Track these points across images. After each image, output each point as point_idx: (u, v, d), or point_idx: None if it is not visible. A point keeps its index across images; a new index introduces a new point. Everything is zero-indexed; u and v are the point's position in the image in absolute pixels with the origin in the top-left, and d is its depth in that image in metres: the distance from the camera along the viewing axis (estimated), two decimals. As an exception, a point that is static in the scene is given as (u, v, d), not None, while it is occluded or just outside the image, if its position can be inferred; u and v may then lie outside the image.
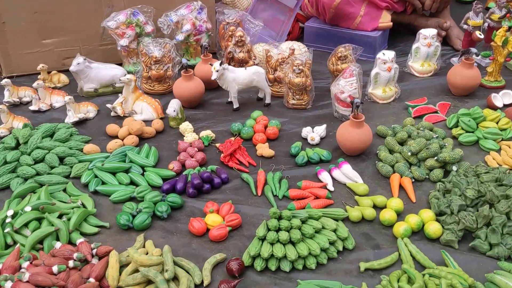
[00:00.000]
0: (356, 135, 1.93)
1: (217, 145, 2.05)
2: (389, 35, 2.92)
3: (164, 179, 1.84)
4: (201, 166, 1.92)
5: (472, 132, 2.10)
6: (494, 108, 2.29)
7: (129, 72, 2.55)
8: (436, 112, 2.28)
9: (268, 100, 2.35)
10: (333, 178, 1.88)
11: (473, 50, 2.34)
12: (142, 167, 1.90)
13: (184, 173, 1.87)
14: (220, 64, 2.17)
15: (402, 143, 2.03)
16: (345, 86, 2.14)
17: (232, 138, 2.07)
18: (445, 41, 2.91)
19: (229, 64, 2.53)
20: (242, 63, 2.51)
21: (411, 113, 2.27)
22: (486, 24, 2.58)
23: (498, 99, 2.32)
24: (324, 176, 1.87)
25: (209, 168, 1.90)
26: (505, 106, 2.32)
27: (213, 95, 2.44)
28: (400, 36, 3.00)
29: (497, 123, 2.13)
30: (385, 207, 1.73)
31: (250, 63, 2.51)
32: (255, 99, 2.42)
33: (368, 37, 2.73)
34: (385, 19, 2.79)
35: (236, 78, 2.24)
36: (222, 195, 1.80)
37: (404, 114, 2.30)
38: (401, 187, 1.84)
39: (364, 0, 2.73)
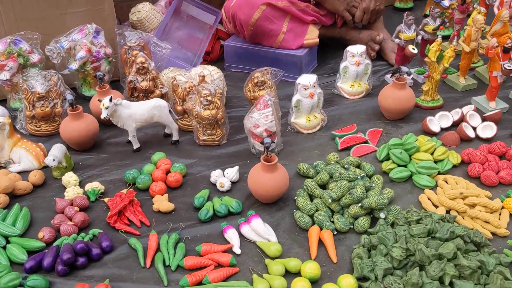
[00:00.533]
0: (269, 180, 1.63)
1: (106, 200, 1.70)
2: (319, 52, 2.64)
3: (32, 252, 1.49)
4: (82, 231, 1.58)
5: (405, 166, 1.83)
6: (431, 133, 2.04)
7: (14, 110, 2.18)
8: (366, 142, 2.00)
9: (175, 137, 2.03)
10: (242, 236, 1.57)
11: (404, 68, 2.08)
12: (6, 237, 1.54)
13: (55, 243, 1.51)
14: (110, 100, 1.83)
15: (325, 185, 1.73)
16: (259, 119, 1.84)
17: (124, 190, 1.73)
18: (380, 55, 2.66)
19: (131, 95, 2.19)
20: (146, 93, 2.17)
21: (338, 144, 1.98)
22: (419, 37, 2.33)
23: (435, 122, 2.06)
24: (231, 235, 1.55)
25: (90, 233, 1.56)
26: (443, 130, 2.07)
27: (111, 132, 2.09)
28: (332, 52, 2.73)
29: (432, 153, 1.86)
30: (299, 272, 1.42)
31: (156, 93, 2.18)
32: (162, 135, 2.08)
33: (293, 56, 2.44)
34: (312, 35, 2.51)
35: (132, 114, 1.90)
36: (102, 270, 1.46)
37: (331, 146, 2.01)
38: (322, 242, 1.54)
39: (286, 15, 2.44)
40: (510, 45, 2.03)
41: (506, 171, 1.76)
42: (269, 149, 1.62)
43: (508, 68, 2.05)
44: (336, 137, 2.03)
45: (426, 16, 2.81)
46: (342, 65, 2.29)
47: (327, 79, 2.50)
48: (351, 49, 2.25)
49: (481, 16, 2.22)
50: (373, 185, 1.68)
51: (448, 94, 2.33)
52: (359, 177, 1.67)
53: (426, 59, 2.16)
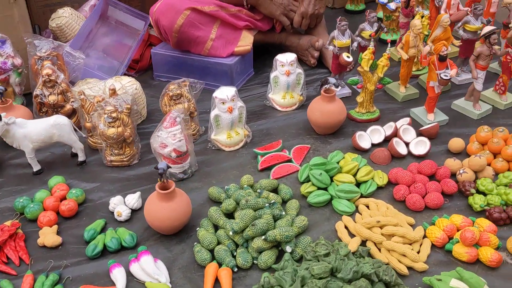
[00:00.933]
0: (165, 210, 1.46)
1: (-14, 233, 1.52)
2: (258, 59, 2.47)
3: None
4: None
5: (325, 188, 1.67)
6: (360, 149, 1.88)
7: None
8: (289, 160, 1.84)
9: (81, 158, 1.85)
10: (132, 275, 1.40)
11: (331, 80, 1.91)
12: None
13: None
14: (0, 118, 1.65)
15: (233, 213, 1.57)
16: (166, 138, 1.67)
17: (8, 222, 1.55)
18: (321, 62, 2.49)
19: (40, 110, 2.01)
20: (56, 108, 1.99)
21: (259, 163, 1.82)
22: (355, 44, 2.16)
23: (365, 138, 1.91)
24: (116, 275, 1.38)
25: (-44, 276, 1.38)
26: (375, 146, 1.91)
27: (14, 153, 1.90)
28: (271, 59, 2.55)
29: (355, 174, 1.70)
30: (185, 320, 1.26)
31: (67, 107, 2.00)
32: (69, 154, 1.90)
33: (223, 64, 2.26)
34: (246, 41, 2.34)
35: (28, 134, 1.72)
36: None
37: (252, 165, 1.85)
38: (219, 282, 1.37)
39: (215, 21, 2.26)
40: (445, 53, 1.88)
41: (433, 194, 1.60)
42: (164, 175, 1.45)
43: (444, 78, 1.90)
44: (258, 156, 1.86)
45: (379, 19, 2.65)
46: (272, 75, 2.13)
47: (262, 89, 2.33)
48: (280, 58, 2.09)
49: (419, 21, 2.06)
50: (283, 213, 1.51)
51: (387, 105, 2.18)
52: (267, 204, 1.50)
53: (358, 68, 2.00)
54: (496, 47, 1.96)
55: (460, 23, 2.21)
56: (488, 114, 2.09)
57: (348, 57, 2.10)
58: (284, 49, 2.56)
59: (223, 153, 1.91)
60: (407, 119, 1.98)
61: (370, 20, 2.14)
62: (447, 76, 1.90)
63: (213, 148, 1.93)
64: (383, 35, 2.74)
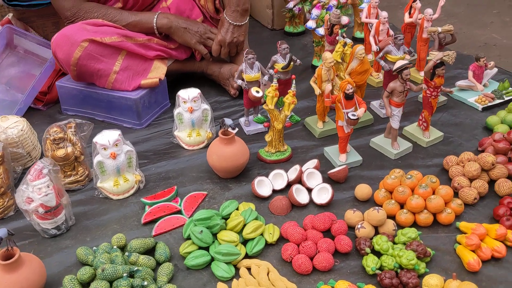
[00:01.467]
0: (8, 286, 1.29)
1: None
2: (181, 87, 2.30)
3: None
4: None
5: (206, 248, 1.50)
6: (260, 197, 1.72)
7: None
8: (179, 212, 1.67)
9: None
10: None
11: (227, 121, 1.75)
12: None
13: None
14: None
15: (89, 283, 1.40)
16: (32, 193, 1.50)
17: None
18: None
19: None
20: None
21: (144, 215, 1.65)
22: (266, 77, 2.00)
23: (265, 184, 1.74)
24: None
25: None
26: (276, 192, 1.75)
27: None
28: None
29: (241, 231, 1.54)
30: None
31: None
32: None
33: (127, 99, 2.10)
34: (157, 72, 2.18)
35: None
36: None
37: (138, 217, 1.68)
38: None
39: (120, 52, 2.10)
40: (351, 91, 1.72)
41: (323, 254, 1.44)
42: (9, 241, 1.28)
43: (352, 117, 1.74)
44: (146, 206, 1.69)
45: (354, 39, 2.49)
46: (175, 112, 1.97)
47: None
48: (182, 94, 1.93)
49: (330, 54, 1.90)
50: (146, 283, 1.34)
51: (304, 142, 2.02)
52: (125, 274, 1.33)
53: (264, 106, 1.84)
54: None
55: (381, 53, 2.05)
56: (408, 153, 1.93)
57: (258, 91, 1.94)
58: (207, 77, 2.42)
59: (110, 202, 1.74)
60: (315, 161, 1.82)
61: (282, 52, 1.98)
62: (355, 115, 1.74)
63: (100, 196, 1.76)
64: (314, 60, 2.59)
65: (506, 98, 2.20)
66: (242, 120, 2.14)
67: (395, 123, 1.86)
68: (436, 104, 1.92)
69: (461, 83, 2.27)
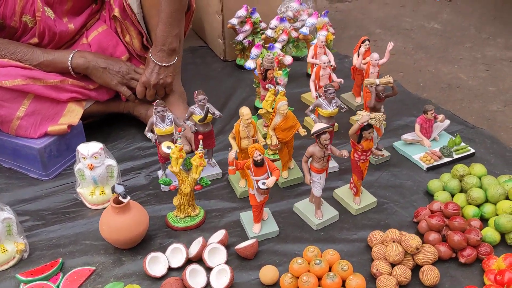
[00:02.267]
0: None
1: None
2: (108, 129, 2.13)
3: None
4: None
5: None
6: (152, 277, 1.51)
7: None
8: (55, 292, 1.47)
9: None
10: None
11: (118, 188, 1.55)
12: None
13: None
14: None
15: None
16: None
17: None
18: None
19: None
20: None
21: (16, 296, 1.44)
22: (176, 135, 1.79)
23: (160, 261, 1.54)
24: None
25: None
26: (173, 270, 1.54)
27: None
28: (126, 131, 2.22)
29: (112, 327, 1.33)
30: None
31: None
32: None
33: (31, 148, 1.89)
34: (70, 117, 1.98)
35: None
36: None
37: (10, 296, 1.47)
38: None
39: (25, 95, 1.90)
40: (259, 158, 1.51)
41: None
42: None
43: (262, 187, 1.53)
44: (21, 284, 1.49)
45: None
46: (75, 168, 1.76)
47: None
48: (81, 149, 1.73)
49: (247, 109, 1.70)
50: None
51: (222, 203, 1.82)
52: None
53: (168, 167, 1.63)
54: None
55: (311, 107, 1.84)
56: (333, 222, 1.72)
57: (169, 147, 1.73)
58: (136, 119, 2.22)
59: (-18, 277, 1.54)
60: (223, 232, 1.61)
61: (199, 103, 1.78)
62: (265, 185, 1.53)
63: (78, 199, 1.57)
64: (257, 101, 2.39)
65: (456, 156, 1.98)
66: (160, 172, 1.93)
67: (316, 190, 1.65)
68: (366, 169, 1.71)
69: (407, 136, 2.06)
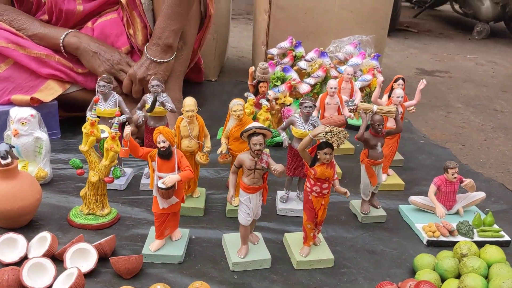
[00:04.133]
0: None
1: None
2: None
3: None
4: None
5: None
6: (-2, 262, 1.19)
7: None
8: None
9: None
10: None
11: (1, 147, 1.29)
12: None
13: None
14: None
15: None
16: None
17: None
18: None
19: None
20: None
21: None
22: (115, 120, 1.52)
23: (45, 239, 1.22)
24: None
25: None
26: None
27: None
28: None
29: None
30: None
31: None
32: None
33: (-13, 111, 1.76)
34: (45, 94, 1.85)
35: None
36: None
37: None
38: None
39: (5, 59, 1.83)
40: (163, 145, 1.16)
41: None
42: None
43: (160, 186, 1.17)
44: None
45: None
46: (5, 133, 1.57)
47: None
48: (12, 112, 1.54)
49: (191, 99, 1.37)
50: None
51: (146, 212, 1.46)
52: None
53: (79, 146, 1.35)
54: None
55: (284, 123, 1.46)
56: (259, 268, 1.26)
57: (103, 131, 1.45)
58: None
59: None
60: (110, 237, 1.25)
61: (151, 90, 1.50)
62: (163, 184, 1.17)
63: None
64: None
65: (477, 239, 1.40)
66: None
67: (241, 215, 1.23)
68: (324, 210, 1.25)
69: (417, 199, 1.54)
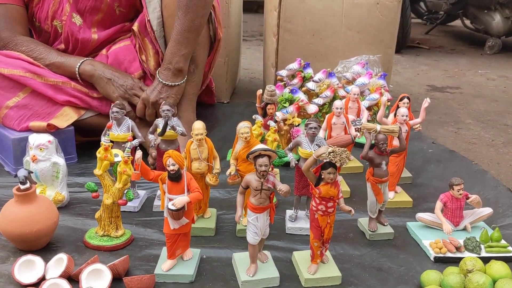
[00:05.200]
0: None
1: None
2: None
3: None
4: None
5: None
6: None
7: None
8: None
9: None
10: None
11: (20, 172, 1.36)
12: None
13: None
14: None
15: None
16: None
17: None
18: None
19: None
20: None
21: None
22: (127, 144, 1.58)
23: (61, 261, 1.27)
24: None
25: None
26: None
27: None
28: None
29: None
30: None
31: None
32: None
33: (6, 137, 1.84)
34: (61, 120, 1.92)
35: None
36: None
37: None
38: None
39: (23, 87, 1.91)
40: (173, 168, 1.21)
41: None
42: None
43: (171, 208, 1.22)
44: None
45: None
46: (24, 159, 1.64)
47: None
48: (30, 138, 1.62)
49: (200, 123, 1.43)
50: None
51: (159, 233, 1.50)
52: None
53: (94, 170, 1.41)
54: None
55: (290, 144, 1.50)
56: (268, 287, 1.30)
57: (117, 155, 1.52)
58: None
59: None
60: (123, 258, 1.30)
61: (162, 115, 1.56)
62: (173, 205, 1.22)
63: None
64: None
65: (485, 254, 1.42)
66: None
67: (250, 234, 1.27)
68: (330, 228, 1.28)
69: (424, 216, 1.56)
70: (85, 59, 1.99)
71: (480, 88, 3.53)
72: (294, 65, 2.41)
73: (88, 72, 1.95)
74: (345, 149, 1.20)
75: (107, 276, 1.24)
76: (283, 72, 2.43)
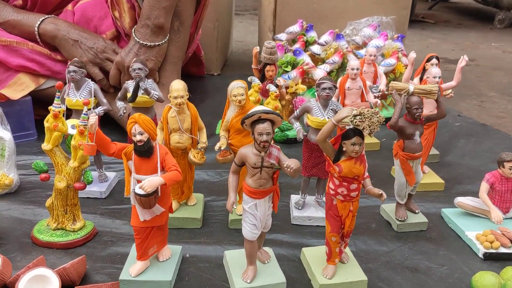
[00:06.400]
0: None
1: None
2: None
3: None
4: None
5: None
6: None
7: None
8: None
9: None
10: None
11: None
12: None
13: None
14: None
15: None
16: None
17: None
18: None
19: None
20: None
21: None
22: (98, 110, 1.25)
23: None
24: None
25: None
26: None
27: None
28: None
29: None
30: None
31: None
32: None
33: None
34: (15, 90, 1.58)
35: None
36: None
37: None
38: None
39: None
40: (140, 139, 0.89)
41: None
42: None
43: (137, 192, 0.89)
44: None
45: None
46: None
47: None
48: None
49: (180, 83, 1.10)
50: None
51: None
52: None
53: (42, 145, 1.08)
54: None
55: (297, 111, 1.17)
56: (274, 296, 0.98)
57: (73, 127, 1.18)
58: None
59: None
60: (79, 259, 0.97)
61: (132, 75, 1.22)
62: (140, 188, 0.88)
63: None
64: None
65: (548, 249, 1.11)
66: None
67: (246, 227, 0.94)
68: (353, 218, 0.96)
69: (466, 201, 1.24)
70: (47, 16, 1.65)
71: (498, 61, 3.21)
72: (295, 28, 2.08)
73: (50, 32, 1.62)
74: (376, 110, 0.87)
75: (54, 285, 0.91)
76: (282, 36, 2.09)
